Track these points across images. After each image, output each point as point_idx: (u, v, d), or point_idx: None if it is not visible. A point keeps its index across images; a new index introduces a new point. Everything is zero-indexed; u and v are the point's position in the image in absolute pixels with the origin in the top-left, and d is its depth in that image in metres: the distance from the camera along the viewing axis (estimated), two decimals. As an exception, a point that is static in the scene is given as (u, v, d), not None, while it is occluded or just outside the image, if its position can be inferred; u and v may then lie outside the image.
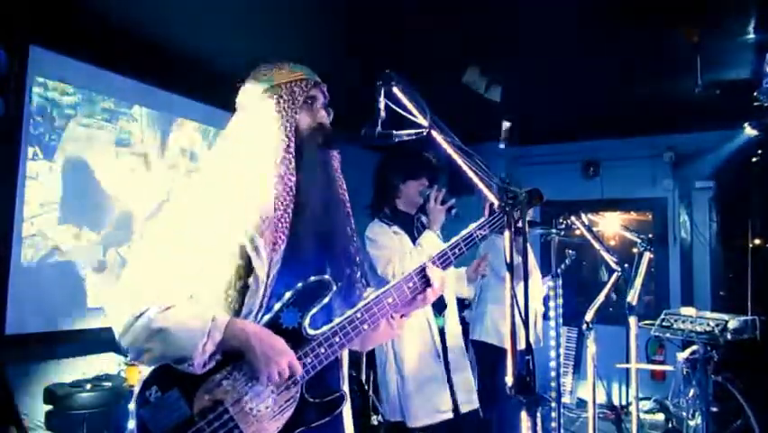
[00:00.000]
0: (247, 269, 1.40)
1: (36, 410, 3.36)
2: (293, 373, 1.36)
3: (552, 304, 3.05)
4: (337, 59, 4.30)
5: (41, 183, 3.61)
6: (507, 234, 1.37)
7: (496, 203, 1.48)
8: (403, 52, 3.97)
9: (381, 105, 1.52)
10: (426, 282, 1.52)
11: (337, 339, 1.42)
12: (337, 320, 1.45)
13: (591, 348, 3.28)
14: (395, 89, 1.52)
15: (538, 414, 1.96)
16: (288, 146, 1.46)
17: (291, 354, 1.36)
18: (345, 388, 1.53)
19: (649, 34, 3.71)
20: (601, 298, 3.39)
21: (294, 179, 1.45)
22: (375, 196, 2.92)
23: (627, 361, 3.67)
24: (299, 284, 1.42)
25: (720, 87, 4.52)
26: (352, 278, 1.55)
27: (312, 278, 1.43)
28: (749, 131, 4.99)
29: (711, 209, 5.94)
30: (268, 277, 1.40)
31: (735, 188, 5.36)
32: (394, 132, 1.51)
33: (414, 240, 2.76)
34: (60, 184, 3.71)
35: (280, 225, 1.41)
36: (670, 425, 4.28)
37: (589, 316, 3.34)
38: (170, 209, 1.47)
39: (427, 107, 1.50)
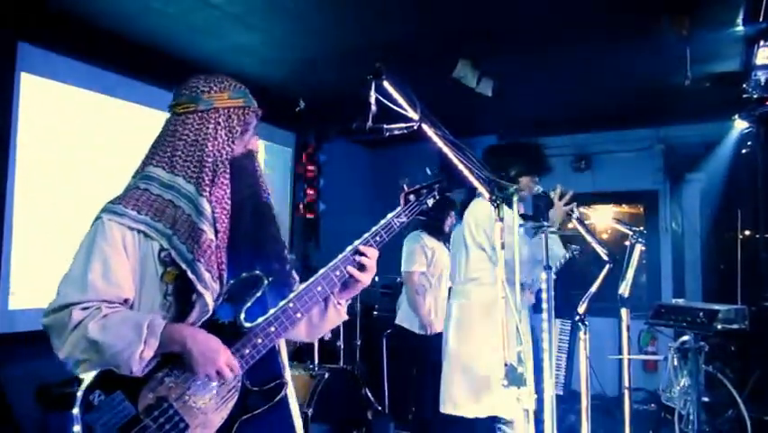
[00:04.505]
0: (186, 279, 1.43)
1: (29, 410, 3.35)
2: (231, 370, 1.42)
3: (544, 296, 3.05)
4: (333, 52, 4.30)
5: (31, 181, 3.59)
6: (498, 224, 1.38)
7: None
8: (397, 46, 3.96)
9: (372, 99, 1.52)
10: (360, 268, 1.60)
11: (273, 329, 1.49)
12: (271, 311, 1.51)
13: (584, 340, 3.30)
14: (385, 83, 1.52)
15: (532, 406, 1.98)
16: (226, 172, 1.51)
17: (227, 353, 1.42)
18: (287, 375, 1.61)
19: (639, 26, 3.72)
20: (593, 290, 3.42)
21: (230, 203, 1.50)
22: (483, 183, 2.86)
23: (620, 352, 3.69)
24: (232, 281, 1.49)
25: (710, 79, 4.54)
26: (282, 273, 1.61)
27: (244, 274, 1.51)
28: (739, 123, 5.02)
29: (702, 201, 5.98)
30: (213, 297, 1.44)
31: (725, 180, 5.40)
32: (384, 126, 1.52)
33: None
34: (52, 181, 3.69)
35: (222, 244, 1.47)
36: (661, 415, 4.32)
37: (581, 308, 3.36)
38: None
39: (418, 100, 1.50)
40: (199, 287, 1.41)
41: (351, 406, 3.80)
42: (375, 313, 5.37)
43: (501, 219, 1.94)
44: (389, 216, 1.67)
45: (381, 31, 3.83)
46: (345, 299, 1.70)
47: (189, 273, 1.41)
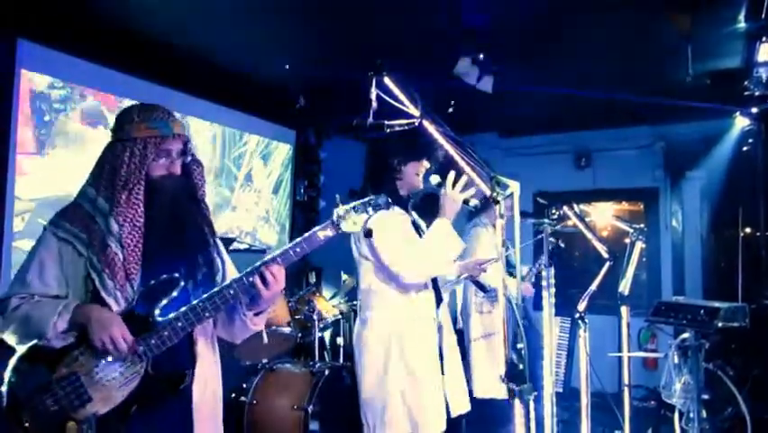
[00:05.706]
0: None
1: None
2: (125, 341, 1.63)
3: (544, 294, 3.06)
4: (333, 51, 4.30)
5: (31, 179, 3.59)
6: (498, 222, 1.38)
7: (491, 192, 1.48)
8: (396, 42, 3.95)
9: (373, 96, 1.52)
10: (269, 278, 1.70)
11: (180, 324, 1.68)
12: (183, 309, 1.69)
13: (583, 337, 3.30)
14: (386, 79, 1.52)
15: (531, 403, 1.98)
16: (138, 194, 1.72)
17: (123, 327, 1.64)
18: (201, 369, 1.79)
19: (640, 23, 3.71)
20: (593, 287, 3.42)
21: (142, 220, 1.72)
22: (371, 178, 2.59)
23: (620, 350, 3.70)
24: (152, 281, 1.71)
25: (711, 76, 4.53)
26: (207, 276, 1.80)
27: (163, 276, 1.72)
28: (740, 120, 5.01)
29: (702, 199, 5.97)
30: (116, 302, 1.68)
31: (725, 178, 5.39)
32: (386, 122, 1.51)
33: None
34: (51, 179, 3.69)
35: (132, 257, 1.69)
36: (661, 413, 4.32)
37: (581, 306, 3.37)
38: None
39: (419, 97, 1.50)
40: (102, 293, 1.67)
41: (351, 403, 3.80)
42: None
43: (502, 216, 1.91)
44: (315, 229, 1.71)
45: (381, 29, 3.82)
46: (253, 312, 1.81)
47: (97, 282, 1.68)
